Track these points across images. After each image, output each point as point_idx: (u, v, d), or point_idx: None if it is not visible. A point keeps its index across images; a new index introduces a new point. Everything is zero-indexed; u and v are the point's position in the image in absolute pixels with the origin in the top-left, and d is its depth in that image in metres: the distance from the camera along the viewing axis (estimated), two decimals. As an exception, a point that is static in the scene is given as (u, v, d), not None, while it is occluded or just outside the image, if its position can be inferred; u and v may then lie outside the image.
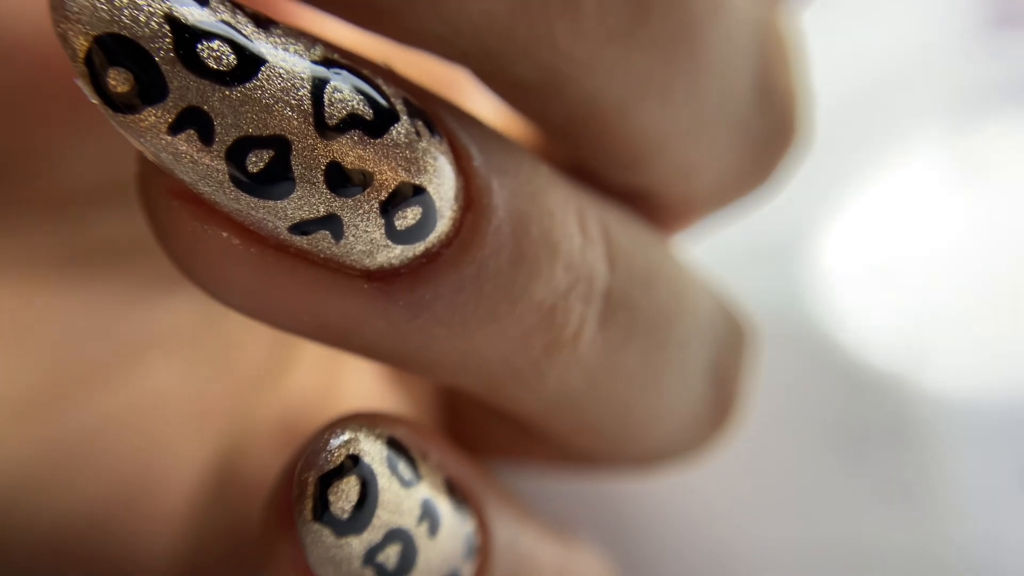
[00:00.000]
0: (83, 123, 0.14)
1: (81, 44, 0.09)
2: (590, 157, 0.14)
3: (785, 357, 0.24)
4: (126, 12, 0.09)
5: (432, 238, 0.11)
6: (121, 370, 0.15)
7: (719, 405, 0.16)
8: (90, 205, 0.15)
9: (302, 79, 0.10)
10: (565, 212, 0.12)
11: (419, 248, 0.11)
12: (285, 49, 0.10)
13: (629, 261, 0.13)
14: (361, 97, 0.10)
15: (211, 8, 0.09)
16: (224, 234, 0.10)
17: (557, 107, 0.12)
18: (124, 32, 0.09)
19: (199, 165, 0.10)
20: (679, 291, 0.14)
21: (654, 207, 0.15)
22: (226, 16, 0.10)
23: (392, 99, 0.10)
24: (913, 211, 0.28)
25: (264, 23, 0.10)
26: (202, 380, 0.16)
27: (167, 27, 0.09)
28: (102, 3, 0.09)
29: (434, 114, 0.11)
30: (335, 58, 0.10)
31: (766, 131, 0.14)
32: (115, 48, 0.09)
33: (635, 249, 0.13)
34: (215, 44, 0.09)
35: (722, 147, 0.14)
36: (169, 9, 0.09)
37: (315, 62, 0.10)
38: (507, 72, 0.12)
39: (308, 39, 0.10)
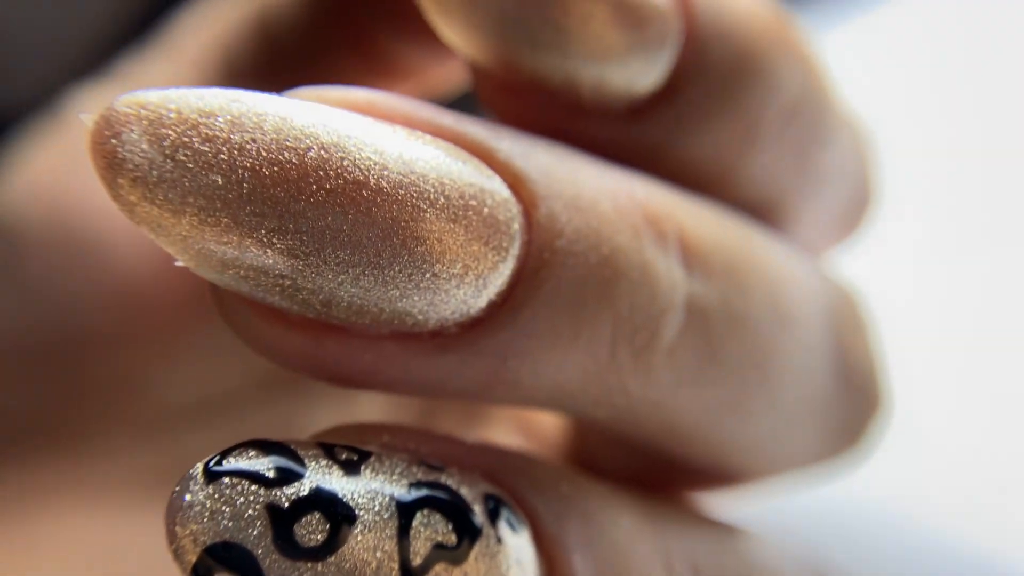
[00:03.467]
0: (175, 348, 0.15)
1: (190, 559, 0.09)
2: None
3: None
4: (227, 511, 0.09)
5: None
6: None
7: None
8: (182, 425, 0.16)
9: (389, 531, 0.10)
10: (652, 565, 0.12)
11: None
12: (378, 484, 0.10)
13: None
14: (445, 523, 0.10)
15: (306, 466, 0.10)
16: None
17: (634, 435, 0.13)
18: (231, 538, 0.09)
19: None
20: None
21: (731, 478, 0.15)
22: (320, 471, 0.10)
23: (473, 508, 0.10)
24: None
25: (359, 458, 0.10)
26: None
27: (267, 519, 0.09)
28: (217, 509, 0.09)
29: (515, 492, 0.11)
30: (426, 479, 0.10)
31: (849, 410, 0.15)
32: (222, 553, 0.09)
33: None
34: (310, 518, 0.10)
35: (804, 435, 0.14)
36: (270, 499, 0.09)
37: (406, 487, 0.10)
38: (582, 415, 0.12)
39: (409, 457, 0.10)
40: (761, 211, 0.14)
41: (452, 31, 0.12)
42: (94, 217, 0.17)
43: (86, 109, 0.17)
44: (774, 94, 0.13)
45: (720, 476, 0.14)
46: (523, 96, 0.12)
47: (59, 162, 0.17)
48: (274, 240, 0.09)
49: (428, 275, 0.10)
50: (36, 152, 0.18)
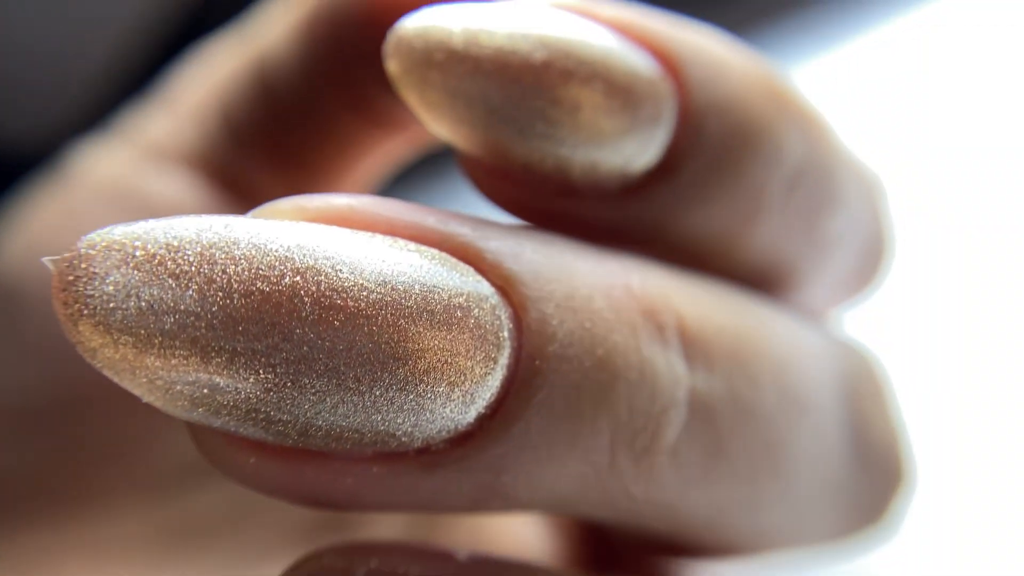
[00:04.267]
0: None
1: None
2: None
3: None
4: None
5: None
6: None
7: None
8: (181, 484, 0.16)
9: None
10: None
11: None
12: None
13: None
14: None
15: None
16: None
17: (641, 533, 0.13)
18: None
19: None
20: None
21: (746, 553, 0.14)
22: None
23: None
24: None
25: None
26: None
27: None
28: None
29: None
30: None
31: (869, 487, 0.14)
32: None
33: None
34: None
35: (821, 517, 0.13)
36: None
37: None
38: (584, 517, 0.12)
39: None
40: (768, 279, 0.14)
41: (437, 124, 0.11)
42: None
43: (86, 165, 0.17)
44: (776, 165, 0.12)
45: (734, 553, 0.14)
46: (512, 180, 0.12)
47: (58, 220, 0.17)
48: (247, 374, 0.09)
49: (412, 396, 0.09)
50: (36, 209, 0.17)
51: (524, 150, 0.11)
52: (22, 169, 0.19)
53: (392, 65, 0.11)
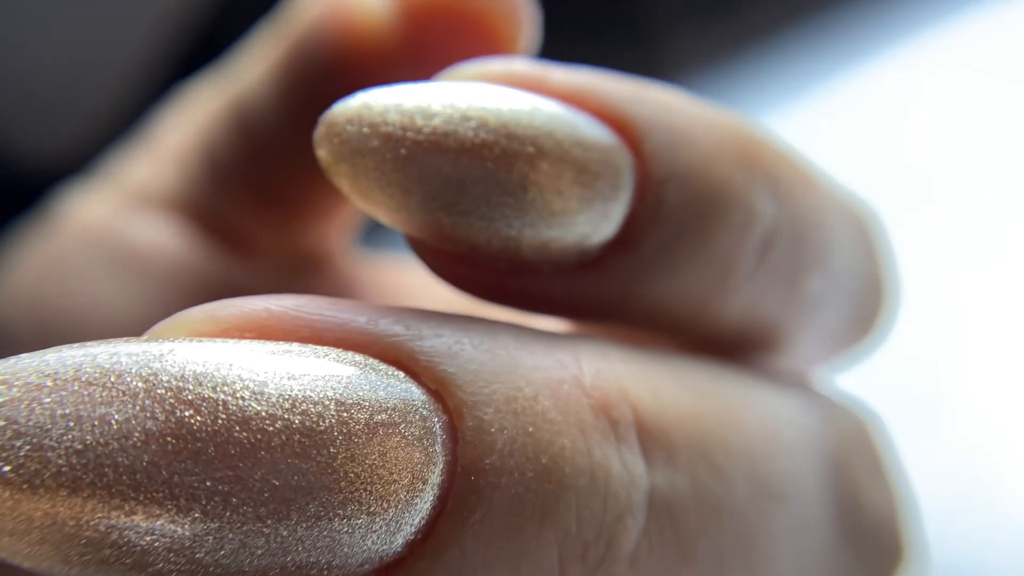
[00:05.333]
0: None
1: None
2: None
3: None
4: None
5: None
6: None
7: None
8: None
9: None
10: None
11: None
12: None
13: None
14: None
15: None
16: None
17: None
18: None
19: None
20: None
21: None
22: None
23: None
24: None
25: None
26: None
27: None
28: None
29: None
30: None
31: (865, 568, 0.13)
32: None
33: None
34: None
35: None
36: None
37: None
38: None
39: None
40: (747, 343, 0.13)
41: (372, 212, 0.10)
42: (79, 322, 0.16)
43: (71, 212, 0.17)
44: (745, 230, 0.11)
45: None
46: (461, 260, 0.11)
47: (45, 266, 0.17)
48: (137, 516, 0.08)
49: (326, 533, 0.09)
50: (23, 255, 0.17)
51: (467, 234, 0.10)
52: (38, 185, 0.19)
53: (322, 154, 0.10)
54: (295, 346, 0.09)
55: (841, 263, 0.13)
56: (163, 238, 0.17)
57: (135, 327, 0.16)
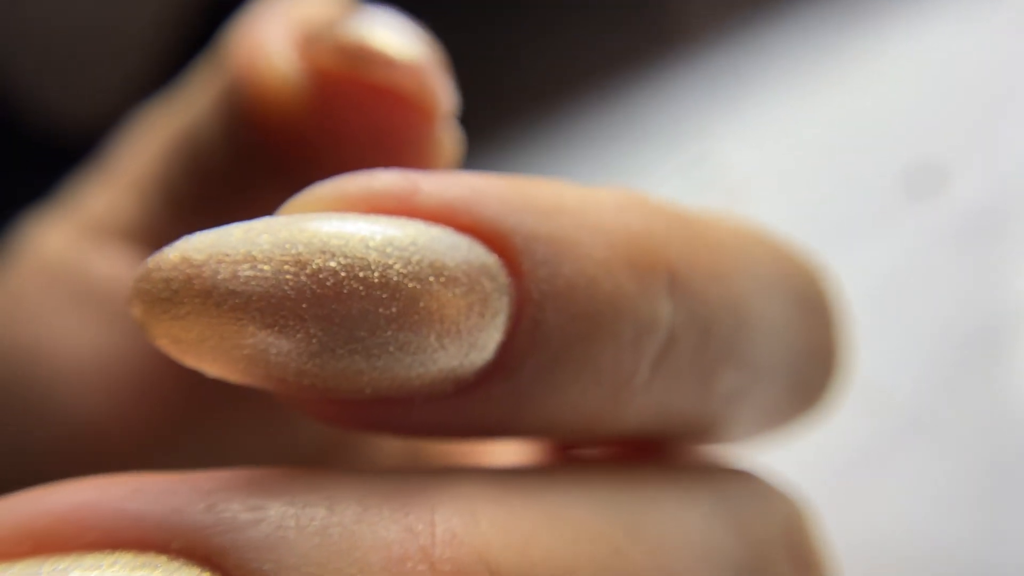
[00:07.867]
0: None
1: None
2: None
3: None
4: None
5: None
6: None
7: None
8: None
9: None
10: None
11: None
12: None
13: None
14: None
15: None
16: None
17: None
18: None
19: None
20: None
21: None
22: None
23: None
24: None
25: None
26: None
27: None
28: None
29: None
30: None
31: None
32: None
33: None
34: None
35: None
36: None
37: None
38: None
39: None
40: (659, 441, 0.12)
41: (203, 370, 0.10)
42: (42, 357, 0.16)
43: (31, 245, 0.17)
44: (639, 340, 0.11)
45: None
46: (322, 404, 0.10)
47: (6, 301, 0.17)
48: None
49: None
50: None
51: (313, 382, 0.10)
52: (74, 146, 0.19)
53: (135, 311, 0.09)
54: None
55: (767, 344, 0.12)
56: (121, 270, 0.16)
57: (99, 360, 0.16)
